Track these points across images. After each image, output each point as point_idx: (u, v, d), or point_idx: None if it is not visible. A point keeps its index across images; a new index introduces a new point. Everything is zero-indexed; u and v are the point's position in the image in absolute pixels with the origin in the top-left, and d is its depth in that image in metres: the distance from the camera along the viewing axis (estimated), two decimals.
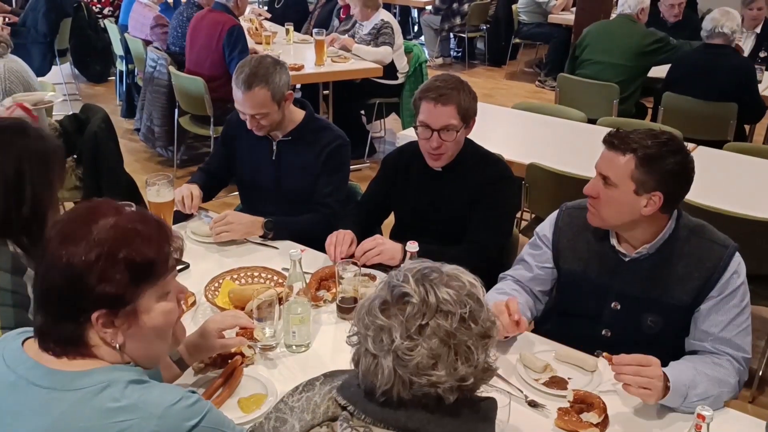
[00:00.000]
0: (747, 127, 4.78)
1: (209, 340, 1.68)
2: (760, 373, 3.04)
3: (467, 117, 2.25)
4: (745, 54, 5.25)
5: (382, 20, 5.34)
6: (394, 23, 5.40)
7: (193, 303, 2.03)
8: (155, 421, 1.14)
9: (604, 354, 1.73)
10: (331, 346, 1.92)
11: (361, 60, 5.18)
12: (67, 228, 1.20)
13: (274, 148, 2.59)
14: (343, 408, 1.11)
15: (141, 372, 1.24)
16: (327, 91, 5.15)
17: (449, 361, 1.05)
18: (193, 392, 1.23)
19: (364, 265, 2.17)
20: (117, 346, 1.23)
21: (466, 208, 2.37)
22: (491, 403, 1.16)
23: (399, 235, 2.18)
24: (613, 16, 5.56)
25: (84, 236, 1.18)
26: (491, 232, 2.37)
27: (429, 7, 8.68)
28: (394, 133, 5.69)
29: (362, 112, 5.67)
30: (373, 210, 2.56)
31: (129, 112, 6.07)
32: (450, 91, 2.21)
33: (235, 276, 2.16)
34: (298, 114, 2.59)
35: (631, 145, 1.78)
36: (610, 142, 1.83)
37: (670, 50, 4.75)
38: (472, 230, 2.35)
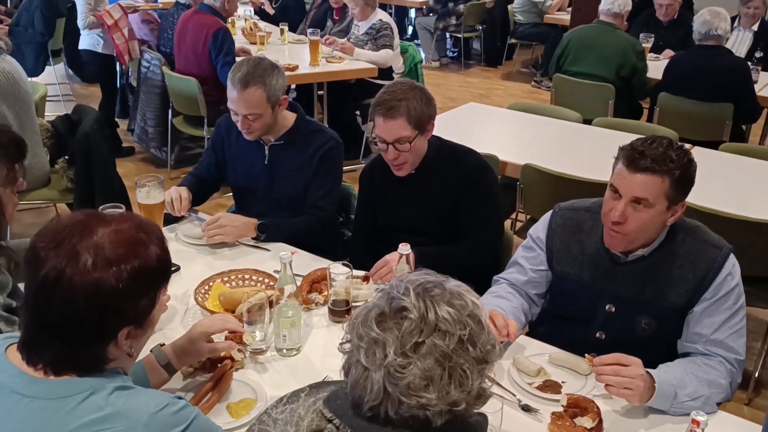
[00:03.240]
0: (744, 126, 4.78)
1: (197, 345, 1.66)
2: (756, 375, 3.03)
3: (421, 124, 2.23)
4: (742, 54, 5.25)
5: (380, 20, 5.32)
6: (393, 24, 5.38)
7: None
8: (141, 428, 1.12)
9: (588, 356, 1.71)
10: (322, 349, 1.90)
11: (356, 60, 5.16)
12: (73, 251, 1.14)
13: (267, 152, 2.56)
14: (329, 421, 1.07)
15: (125, 378, 1.22)
16: (322, 92, 5.13)
17: (442, 384, 1.00)
18: (180, 398, 1.21)
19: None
20: (133, 351, 1.23)
21: (449, 205, 2.37)
22: (482, 422, 1.12)
23: (388, 240, 2.16)
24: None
25: (101, 259, 1.14)
26: (490, 228, 2.41)
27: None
28: None
29: (357, 112, 5.65)
30: (372, 231, 2.52)
31: (123, 112, 6.03)
32: (397, 103, 2.19)
33: (225, 279, 2.14)
34: (290, 117, 2.57)
35: (667, 165, 1.73)
36: (643, 166, 1.73)
37: (644, 79, 4.76)
38: (469, 229, 2.37)
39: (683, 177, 1.76)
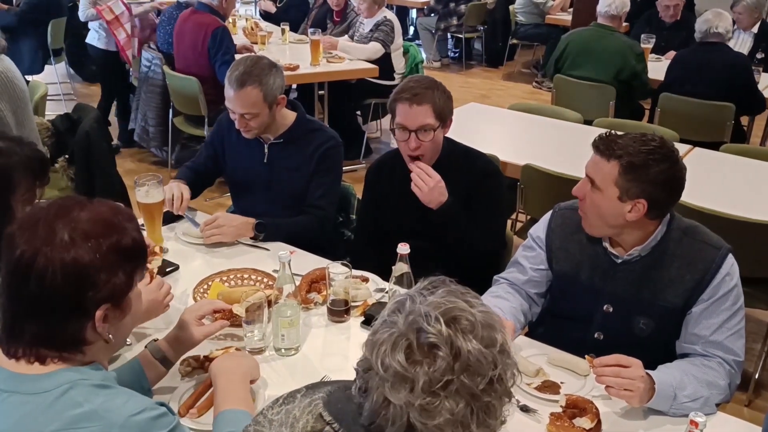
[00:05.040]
0: (745, 127, 4.78)
1: (189, 330, 1.66)
2: (756, 376, 3.02)
3: (443, 116, 2.25)
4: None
5: (384, 17, 5.33)
6: (396, 22, 5.39)
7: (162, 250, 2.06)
8: (116, 430, 1.12)
9: (588, 357, 1.71)
10: (320, 349, 1.89)
11: (357, 60, 5.16)
12: (49, 229, 1.16)
13: (266, 150, 2.56)
14: (328, 424, 1.05)
15: (107, 376, 1.22)
16: (322, 92, 5.13)
17: (468, 423, 0.97)
18: (163, 404, 1.21)
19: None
20: (110, 338, 1.22)
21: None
22: None
23: (387, 240, 2.16)
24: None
25: (78, 234, 1.16)
26: (496, 231, 2.42)
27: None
28: (389, 133, 5.66)
29: (358, 112, 5.64)
30: (376, 230, 2.51)
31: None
32: (424, 91, 2.20)
33: (224, 278, 2.14)
34: (290, 116, 2.56)
35: (617, 152, 1.75)
36: (596, 146, 1.81)
37: (644, 80, 4.77)
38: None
39: (636, 170, 1.74)
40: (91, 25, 5.33)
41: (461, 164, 2.37)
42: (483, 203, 2.35)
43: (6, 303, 1.19)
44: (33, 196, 1.80)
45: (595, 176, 1.81)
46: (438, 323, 0.97)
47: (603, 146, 1.79)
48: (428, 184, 2.21)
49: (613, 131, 1.83)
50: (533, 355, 1.86)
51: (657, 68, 4.92)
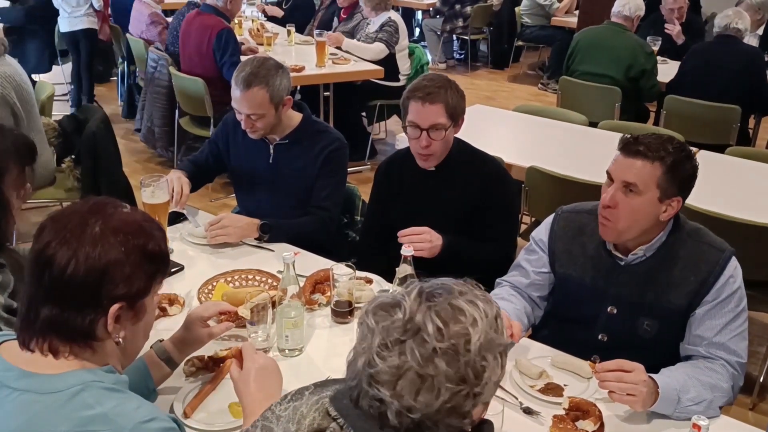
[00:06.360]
0: (750, 130, 4.77)
1: (195, 332, 1.67)
2: (761, 379, 3.01)
3: (455, 115, 2.26)
4: None
5: (389, 18, 5.34)
6: (401, 24, 5.39)
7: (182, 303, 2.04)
8: None
9: (589, 362, 1.71)
10: (324, 350, 1.90)
11: (362, 61, 5.17)
12: (81, 220, 1.18)
13: (272, 151, 2.57)
14: (333, 419, 1.07)
15: (119, 379, 1.22)
16: (328, 93, 5.13)
17: (408, 385, 0.99)
18: (174, 419, 1.22)
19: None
20: (120, 340, 1.23)
21: (466, 208, 2.36)
22: (488, 428, 1.11)
23: (393, 241, 2.16)
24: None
25: (108, 228, 1.18)
26: (509, 237, 2.44)
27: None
28: (394, 135, 5.67)
29: (363, 113, 5.65)
30: (382, 230, 2.50)
31: (130, 112, 6.07)
32: (437, 90, 2.21)
33: (229, 278, 2.15)
34: (296, 117, 2.57)
35: (659, 153, 1.76)
36: (635, 150, 1.78)
37: (652, 81, 4.79)
38: (490, 235, 2.36)
39: (676, 168, 1.77)
40: (81, 11, 5.83)
41: (470, 165, 2.38)
42: (495, 208, 2.36)
43: (27, 289, 1.20)
44: (24, 180, 1.82)
45: (636, 179, 1.77)
46: (411, 293, 1.05)
47: (643, 148, 1.77)
48: (425, 241, 2.19)
49: (635, 135, 1.83)
50: (536, 358, 1.86)
51: (663, 70, 4.91)
